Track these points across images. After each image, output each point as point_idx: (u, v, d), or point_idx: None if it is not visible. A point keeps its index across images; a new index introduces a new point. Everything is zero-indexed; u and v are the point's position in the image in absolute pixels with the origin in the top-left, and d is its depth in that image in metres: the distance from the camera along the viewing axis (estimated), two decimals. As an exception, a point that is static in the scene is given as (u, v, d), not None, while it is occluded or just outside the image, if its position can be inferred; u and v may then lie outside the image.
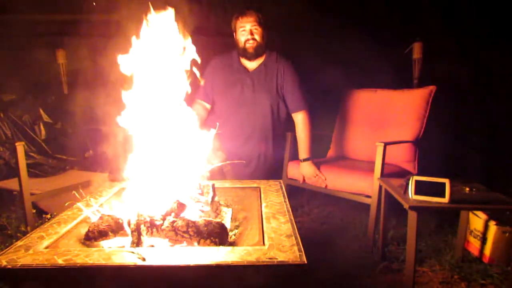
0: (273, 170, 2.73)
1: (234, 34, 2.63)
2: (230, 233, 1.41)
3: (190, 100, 2.71)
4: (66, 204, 1.62)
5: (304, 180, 2.63)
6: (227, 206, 1.67)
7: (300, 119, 2.62)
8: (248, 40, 2.52)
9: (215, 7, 3.36)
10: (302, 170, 2.59)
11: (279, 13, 3.22)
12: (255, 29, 2.51)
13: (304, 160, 2.58)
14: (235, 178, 2.40)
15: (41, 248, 1.21)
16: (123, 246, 1.28)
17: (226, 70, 2.66)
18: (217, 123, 1.79)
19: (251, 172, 2.66)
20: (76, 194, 1.68)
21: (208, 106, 2.78)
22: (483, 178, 1.92)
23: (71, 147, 3.06)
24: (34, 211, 2.27)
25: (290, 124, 2.78)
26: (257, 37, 2.52)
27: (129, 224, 1.34)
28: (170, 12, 1.66)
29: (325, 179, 2.50)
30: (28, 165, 2.32)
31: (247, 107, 2.62)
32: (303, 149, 2.59)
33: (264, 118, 2.63)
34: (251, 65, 2.64)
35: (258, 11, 2.53)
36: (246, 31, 2.52)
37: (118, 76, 1.59)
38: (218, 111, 2.74)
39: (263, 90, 2.60)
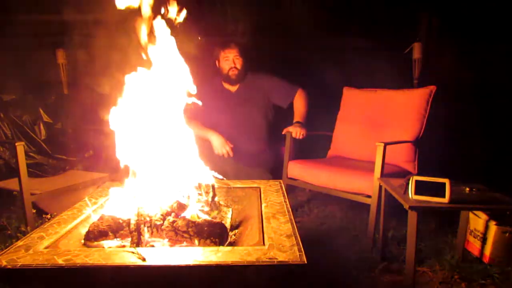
0: (274, 168, 2.85)
1: (217, 62, 2.97)
2: (230, 233, 1.41)
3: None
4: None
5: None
6: (227, 206, 1.67)
7: (297, 96, 2.95)
8: (231, 68, 2.90)
9: (214, 7, 3.37)
10: (292, 128, 2.84)
11: (279, 13, 3.23)
12: (237, 59, 2.90)
13: (296, 123, 2.86)
14: (237, 178, 2.42)
15: (41, 248, 1.21)
16: (123, 246, 1.28)
17: (216, 96, 2.98)
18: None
19: (254, 169, 2.76)
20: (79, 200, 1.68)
21: None
22: (483, 178, 1.92)
23: (71, 147, 3.06)
24: (34, 211, 2.27)
25: (286, 122, 2.82)
26: (238, 66, 2.90)
27: (129, 224, 1.34)
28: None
29: (302, 137, 2.77)
30: (28, 165, 2.31)
31: (242, 123, 2.92)
32: (297, 116, 2.91)
33: (260, 127, 2.97)
34: (233, 88, 3.00)
35: (238, 44, 2.91)
36: (229, 61, 2.89)
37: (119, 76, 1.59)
38: (215, 128, 2.93)
39: (251, 104, 2.95)
